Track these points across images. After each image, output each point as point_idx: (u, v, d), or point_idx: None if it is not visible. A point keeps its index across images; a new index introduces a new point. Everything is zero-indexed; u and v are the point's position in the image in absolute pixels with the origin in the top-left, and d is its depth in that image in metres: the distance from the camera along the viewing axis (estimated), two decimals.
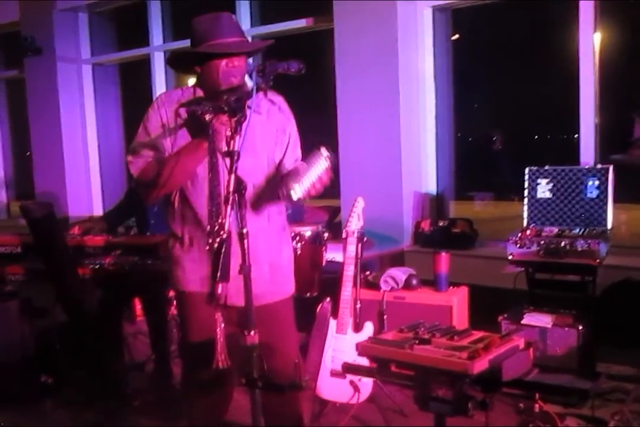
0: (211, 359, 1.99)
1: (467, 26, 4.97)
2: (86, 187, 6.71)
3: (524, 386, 2.57)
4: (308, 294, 3.55)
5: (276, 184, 2.29)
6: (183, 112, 2.27)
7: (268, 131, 2.34)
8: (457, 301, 3.38)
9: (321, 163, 2.13)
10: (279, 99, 2.39)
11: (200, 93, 2.31)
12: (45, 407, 3.44)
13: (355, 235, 3.15)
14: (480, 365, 1.64)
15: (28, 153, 7.03)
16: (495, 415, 2.81)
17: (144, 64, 6.22)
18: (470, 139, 6.34)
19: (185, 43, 5.93)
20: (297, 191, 2.09)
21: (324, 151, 2.14)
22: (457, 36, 4.81)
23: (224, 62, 2.20)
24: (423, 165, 4.65)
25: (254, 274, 2.00)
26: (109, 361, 3.49)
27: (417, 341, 1.82)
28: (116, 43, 6.79)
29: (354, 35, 4.53)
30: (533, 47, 5.65)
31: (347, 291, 3.11)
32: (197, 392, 2.41)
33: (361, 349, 1.88)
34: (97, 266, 3.29)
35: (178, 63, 2.40)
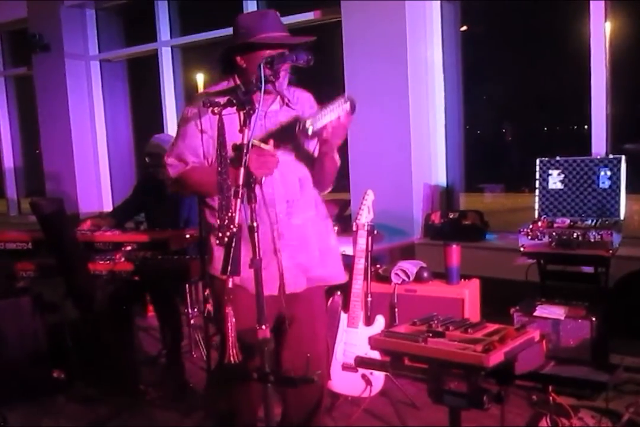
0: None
1: (476, 17, 4.94)
2: (96, 184, 6.73)
3: (538, 378, 2.56)
4: None
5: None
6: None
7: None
8: (469, 293, 3.37)
9: (340, 105, 2.11)
10: (307, 95, 2.43)
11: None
12: (58, 402, 3.45)
13: (366, 228, 3.13)
14: (496, 358, 1.62)
15: (38, 150, 7.05)
16: (508, 408, 2.80)
17: (152, 60, 6.21)
18: (479, 131, 6.29)
19: (193, 38, 5.91)
20: (312, 124, 2.07)
21: (346, 96, 2.13)
22: (465, 28, 4.78)
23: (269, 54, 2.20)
24: (433, 157, 4.62)
25: (307, 260, 2.35)
26: (121, 356, 3.49)
27: (430, 334, 1.80)
28: (124, 39, 6.78)
29: (363, 28, 4.50)
30: (543, 38, 5.59)
31: (357, 284, 3.10)
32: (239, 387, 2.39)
33: (374, 342, 1.86)
34: (107, 262, 3.29)
35: (224, 58, 2.39)
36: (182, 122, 2.36)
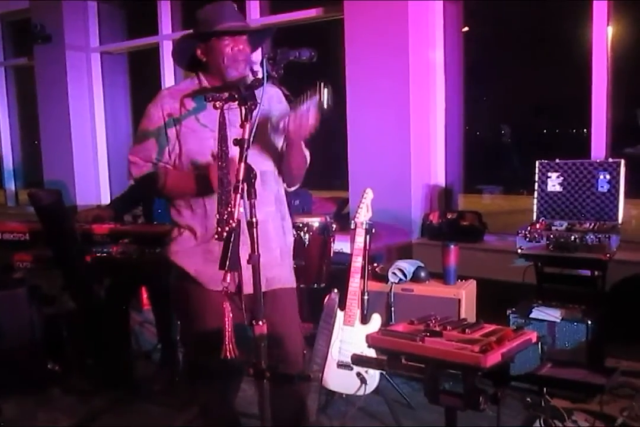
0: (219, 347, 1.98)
1: (478, 18, 4.93)
2: (94, 176, 6.71)
3: (534, 380, 2.56)
4: (315, 285, 3.53)
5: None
6: (189, 102, 2.28)
7: (269, 119, 2.35)
8: (466, 294, 3.37)
9: (311, 96, 2.10)
10: (275, 90, 2.38)
11: (205, 83, 2.31)
12: (52, 394, 3.45)
13: (364, 226, 3.13)
14: (493, 358, 1.62)
15: (36, 142, 7.03)
16: (502, 409, 2.80)
17: (153, 53, 6.19)
18: (479, 132, 6.30)
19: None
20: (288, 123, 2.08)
21: (318, 85, 2.11)
22: (467, 28, 4.77)
23: (228, 45, 2.23)
24: (432, 157, 4.62)
25: (267, 259, 2.18)
26: (116, 349, 3.49)
27: (428, 333, 1.80)
28: (125, 31, 6.76)
29: (365, 27, 4.49)
30: (544, 40, 5.59)
31: (355, 282, 3.10)
32: (209, 381, 2.40)
33: (371, 340, 1.86)
34: (104, 254, 3.29)
35: (182, 53, 2.38)
36: (146, 119, 2.33)
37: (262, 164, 2.31)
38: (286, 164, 2.37)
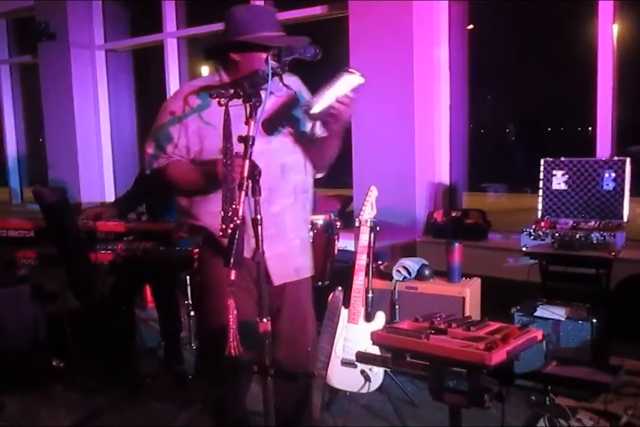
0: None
1: (483, 17, 4.92)
2: (98, 174, 6.71)
3: (540, 378, 2.55)
4: (320, 283, 3.53)
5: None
6: (193, 99, 2.27)
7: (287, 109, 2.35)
8: (470, 292, 3.36)
9: (345, 79, 2.08)
10: (293, 79, 2.39)
11: (225, 79, 2.31)
12: (56, 391, 3.45)
13: (368, 224, 3.12)
14: (498, 356, 1.61)
15: (41, 139, 7.04)
16: (505, 408, 2.79)
17: (158, 51, 6.19)
18: (483, 130, 6.29)
19: (199, 30, 5.86)
20: (316, 105, 2.07)
21: (346, 68, 2.09)
22: (471, 27, 4.76)
23: (266, 54, 2.17)
24: (436, 155, 4.61)
25: (289, 250, 2.33)
26: (120, 347, 3.49)
27: (433, 331, 1.79)
28: (129, 29, 6.76)
29: (369, 25, 4.48)
30: (549, 39, 5.58)
31: (359, 280, 3.10)
32: (223, 377, 2.39)
33: (376, 337, 1.85)
34: (108, 252, 3.29)
35: (214, 50, 2.39)
36: (164, 112, 2.33)
37: (286, 156, 2.34)
38: (322, 153, 2.38)
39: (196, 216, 2.34)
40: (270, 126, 2.28)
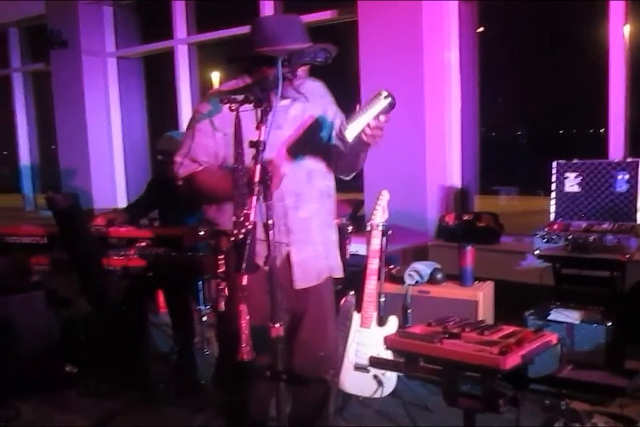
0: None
1: (493, 18, 4.90)
2: (110, 180, 6.75)
3: (555, 382, 2.53)
4: None
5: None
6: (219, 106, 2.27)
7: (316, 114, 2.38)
8: (483, 295, 3.34)
9: (379, 103, 2.07)
10: (317, 84, 2.42)
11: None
12: (69, 396, 3.46)
13: (380, 228, 3.12)
14: (513, 360, 1.60)
15: (53, 146, 7.08)
16: (520, 412, 2.77)
17: (168, 57, 6.22)
18: (495, 133, 6.27)
19: (210, 36, 5.86)
20: (350, 130, 2.08)
21: (382, 92, 2.08)
22: (482, 28, 4.75)
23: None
24: (448, 158, 4.60)
25: (313, 254, 2.38)
26: (133, 352, 3.50)
27: (446, 335, 1.78)
28: (140, 36, 6.80)
29: (379, 28, 4.48)
30: (560, 40, 5.56)
31: (371, 284, 3.09)
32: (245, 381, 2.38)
33: (389, 342, 1.85)
34: (121, 257, 3.30)
35: (242, 58, 2.39)
36: (194, 120, 2.36)
37: (311, 163, 2.37)
38: (352, 163, 2.42)
39: (223, 224, 2.34)
40: (296, 151, 2.31)
